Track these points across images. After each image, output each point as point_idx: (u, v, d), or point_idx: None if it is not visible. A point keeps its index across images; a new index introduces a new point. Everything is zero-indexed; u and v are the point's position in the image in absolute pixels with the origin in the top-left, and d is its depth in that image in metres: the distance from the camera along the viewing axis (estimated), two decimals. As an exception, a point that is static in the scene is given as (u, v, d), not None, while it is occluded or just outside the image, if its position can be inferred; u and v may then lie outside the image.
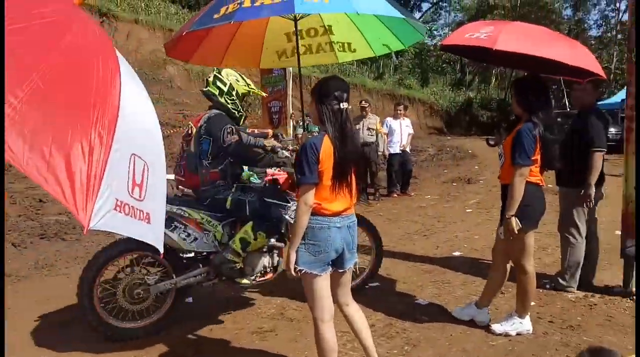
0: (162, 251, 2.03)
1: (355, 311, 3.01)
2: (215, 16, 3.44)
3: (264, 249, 3.99)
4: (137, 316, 3.86)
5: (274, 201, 3.95)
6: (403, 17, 3.89)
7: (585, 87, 4.61)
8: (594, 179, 4.39)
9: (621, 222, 4.58)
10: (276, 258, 4.07)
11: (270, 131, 4.96)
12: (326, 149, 2.70)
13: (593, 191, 4.41)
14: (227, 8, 3.37)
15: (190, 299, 4.48)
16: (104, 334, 3.76)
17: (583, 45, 4.11)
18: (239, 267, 3.88)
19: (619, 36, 28.84)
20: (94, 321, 3.71)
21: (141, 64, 17.14)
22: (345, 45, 4.93)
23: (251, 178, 4.38)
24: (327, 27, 4.84)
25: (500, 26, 3.82)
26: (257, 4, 3.27)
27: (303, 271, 2.75)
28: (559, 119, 15.85)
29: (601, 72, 3.77)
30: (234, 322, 4.15)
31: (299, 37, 4.69)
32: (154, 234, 1.97)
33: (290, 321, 4.15)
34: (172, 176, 5.51)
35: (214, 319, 4.18)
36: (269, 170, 4.32)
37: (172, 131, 13.08)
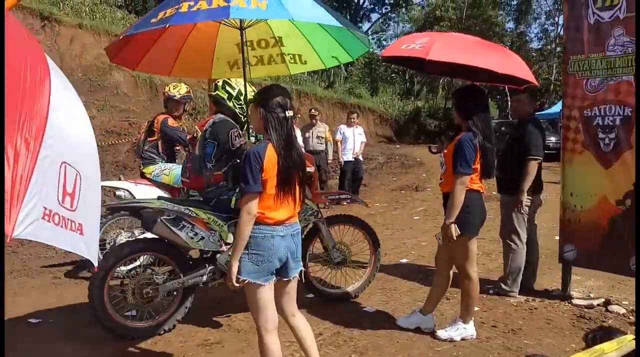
0: (96, 264, 1.95)
1: (301, 320, 2.98)
2: (153, 20, 3.40)
3: None
4: (152, 314, 3.97)
5: None
6: (343, 26, 3.95)
7: (521, 98, 4.78)
8: (526, 185, 4.55)
9: (559, 228, 4.76)
10: None
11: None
12: (270, 158, 2.68)
13: (525, 197, 4.56)
14: (165, 13, 3.33)
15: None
16: (115, 333, 3.82)
17: (516, 55, 4.25)
18: None
19: (558, 49, 30.06)
20: (104, 319, 3.75)
21: (85, 70, 16.55)
22: (296, 57, 4.94)
23: None
24: (277, 39, 4.83)
25: (435, 37, 3.93)
26: (193, 9, 3.25)
27: (246, 281, 2.71)
28: (502, 128, 16.45)
29: (533, 80, 3.90)
30: (179, 334, 4.04)
31: (250, 49, 4.73)
32: (87, 246, 1.88)
33: (237, 332, 4.08)
34: (108, 183, 5.45)
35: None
36: None
37: (117, 140, 12.72)
